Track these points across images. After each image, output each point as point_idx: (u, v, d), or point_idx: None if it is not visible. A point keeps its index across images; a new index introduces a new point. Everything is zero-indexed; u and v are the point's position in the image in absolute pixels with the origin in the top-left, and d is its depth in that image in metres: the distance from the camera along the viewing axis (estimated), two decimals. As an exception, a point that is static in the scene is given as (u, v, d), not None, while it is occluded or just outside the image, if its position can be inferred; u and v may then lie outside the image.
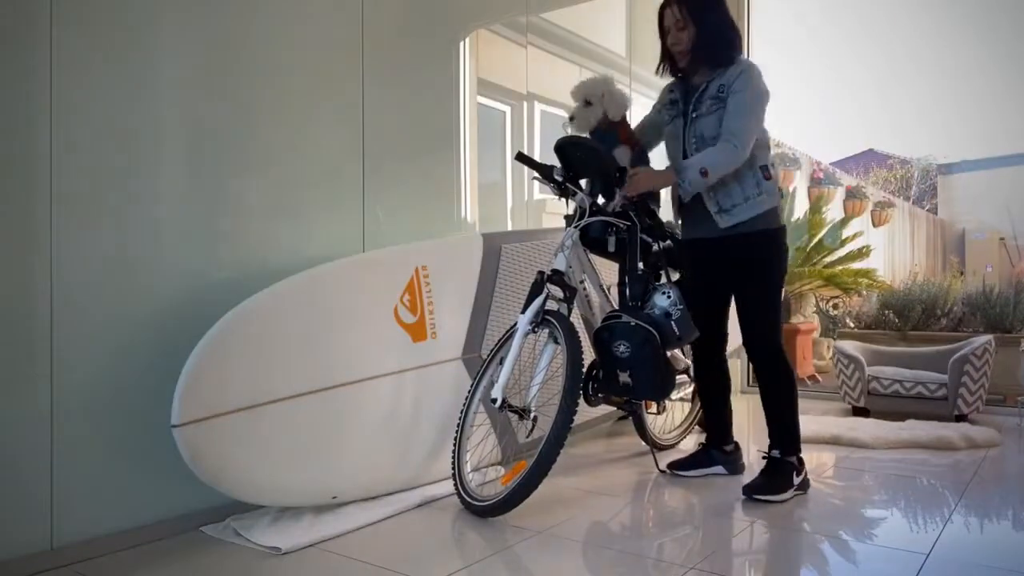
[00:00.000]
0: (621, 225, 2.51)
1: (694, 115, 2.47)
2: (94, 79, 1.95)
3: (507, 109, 3.54)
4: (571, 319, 2.37)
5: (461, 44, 3.20)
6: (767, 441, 2.53)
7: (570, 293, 2.41)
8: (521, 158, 2.54)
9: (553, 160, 2.62)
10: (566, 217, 2.58)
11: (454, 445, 2.37)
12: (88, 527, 1.93)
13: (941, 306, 4.85)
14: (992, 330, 4.44)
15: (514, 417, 2.30)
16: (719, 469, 2.71)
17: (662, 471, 2.74)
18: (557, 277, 2.38)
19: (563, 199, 2.60)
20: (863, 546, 2.05)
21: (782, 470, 2.46)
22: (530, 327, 2.34)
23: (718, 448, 2.75)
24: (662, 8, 2.49)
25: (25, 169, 1.83)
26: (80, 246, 1.92)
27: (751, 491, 2.42)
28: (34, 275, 1.84)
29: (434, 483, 2.49)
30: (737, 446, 2.78)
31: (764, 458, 2.53)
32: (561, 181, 2.50)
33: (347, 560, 1.91)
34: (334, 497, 2.23)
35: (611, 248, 2.52)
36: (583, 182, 2.64)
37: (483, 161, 3.33)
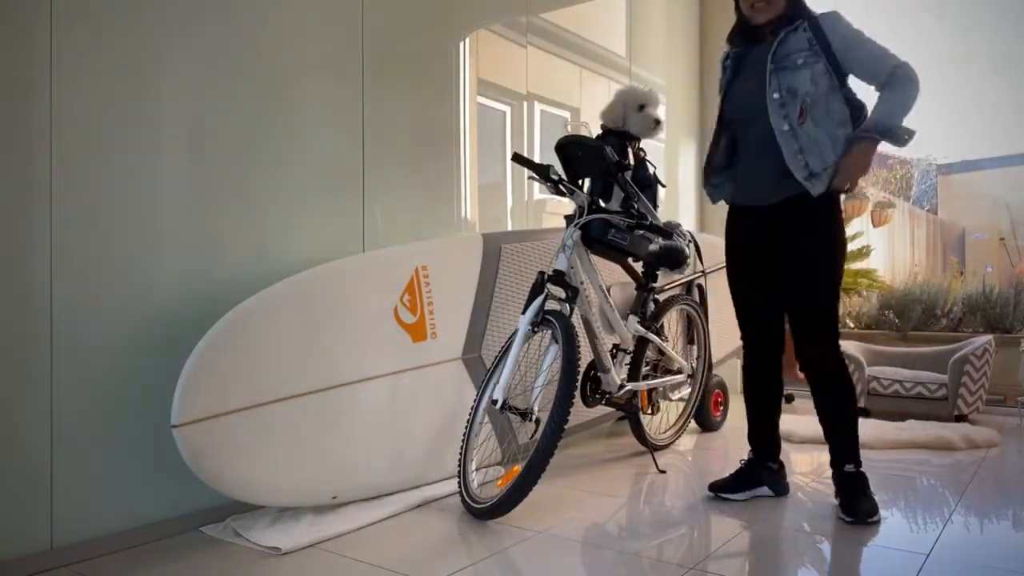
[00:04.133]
0: (622, 224, 2.52)
1: (773, 67, 2.21)
2: (94, 79, 1.95)
3: (507, 109, 3.54)
4: (572, 320, 2.35)
5: (461, 44, 3.20)
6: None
7: (572, 293, 2.38)
8: (517, 159, 2.53)
9: (553, 160, 2.63)
10: (566, 217, 2.56)
11: (461, 447, 2.36)
12: (88, 527, 1.93)
13: (941, 306, 4.85)
14: (992, 330, 4.44)
15: (516, 418, 2.28)
16: (765, 490, 2.46)
17: (709, 493, 2.47)
18: (558, 277, 2.37)
19: (566, 198, 2.59)
20: (863, 546, 2.05)
21: (863, 483, 2.28)
22: (530, 328, 2.32)
23: (765, 465, 2.47)
24: None
25: (25, 169, 1.83)
26: (80, 246, 1.92)
27: (864, 515, 2.19)
28: (34, 275, 1.84)
29: (434, 483, 2.49)
30: (782, 464, 2.51)
31: (836, 476, 2.32)
32: (557, 180, 2.48)
33: (347, 560, 1.91)
34: (334, 497, 2.23)
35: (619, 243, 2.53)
36: (585, 182, 2.66)
37: (483, 161, 3.33)
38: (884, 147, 2.16)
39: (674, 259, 2.63)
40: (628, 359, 2.86)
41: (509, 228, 3.46)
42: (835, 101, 2.20)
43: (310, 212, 2.50)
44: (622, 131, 2.84)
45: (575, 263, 2.47)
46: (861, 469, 2.30)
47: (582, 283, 2.50)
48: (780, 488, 2.47)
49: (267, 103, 2.37)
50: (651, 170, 2.85)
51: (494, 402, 2.25)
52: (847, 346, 4.13)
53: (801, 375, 2.36)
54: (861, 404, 3.93)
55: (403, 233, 2.81)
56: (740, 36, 2.39)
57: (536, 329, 2.35)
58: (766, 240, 2.32)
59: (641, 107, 2.74)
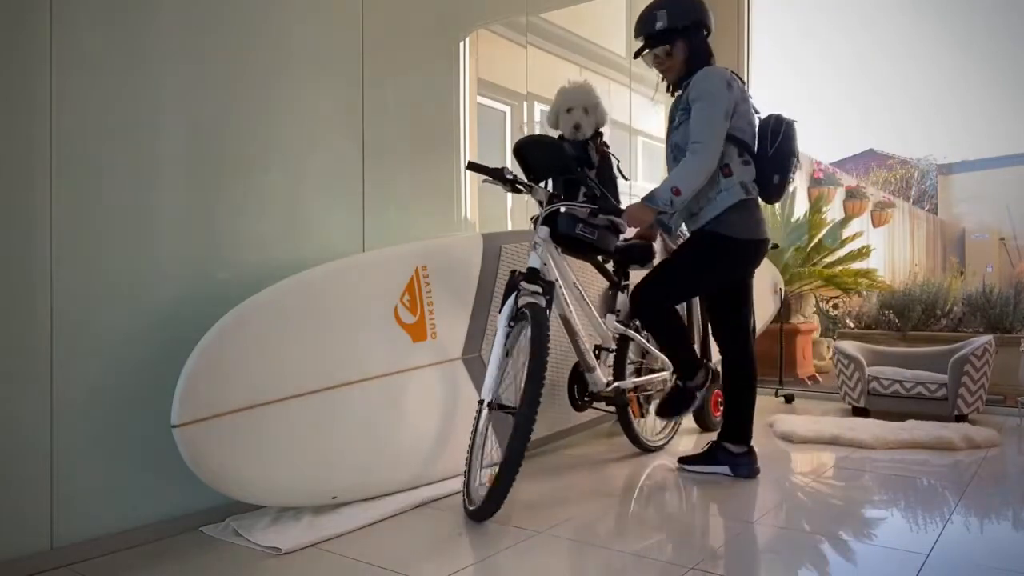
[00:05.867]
0: (587, 215, 2.51)
1: (671, 126, 2.63)
2: (94, 80, 1.95)
3: (507, 109, 3.54)
4: (548, 313, 2.34)
5: (461, 44, 3.20)
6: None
7: (547, 287, 2.37)
8: (472, 167, 2.49)
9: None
10: (532, 219, 2.55)
11: (468, 450, 2.31)
12: (88, 527, 1.93)
13: (941, 306, 4.85)
14: (992, 330, 4.44)
15: (508, 416, 2.23)
16: (724, 470, 2.68)
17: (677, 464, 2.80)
18: (532, 275, 2.37)
19: (528, 196, 2.59)
20: (863, 546, 2.05)
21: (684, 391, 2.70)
22: (508, 325, 2.32)
23: (723, 446, 2.71)
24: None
25: (25, 169, 1.83)
26: (79, 246, 1.92)
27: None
28: (34, 275, 1.84)
29: (434, 483, 2.49)
30: (751, 450, 2.70)
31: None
32: (512, 179, 2.46)
33: (347, 560, 1.91)
34: (334, 497, 2.23)
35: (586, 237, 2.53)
36: (549, 184, 2.65)
37: (483, 161, 3.33)
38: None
39: (643, 255, 2.78)
40: (611, 358, 2.90)
41: (509, 228, 3.46)
42: None
43: (310, 212, 2.50)
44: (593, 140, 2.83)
45: (547, 259, 2.46)
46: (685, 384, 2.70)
47: (556, 280, 2.48)
48: (742, 471, 2.67)
49: (267, 103, 2.37)
50: (615, 164, 2.78)
51: (480, 403, 2.28)
52: (847, 346, 4.13)
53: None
54: (861, 404, 3.93)
55: (403, 233, 2.81)
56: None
57: (513, 325, 2.34)
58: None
59: (568, 110, 2.67)
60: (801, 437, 3.36)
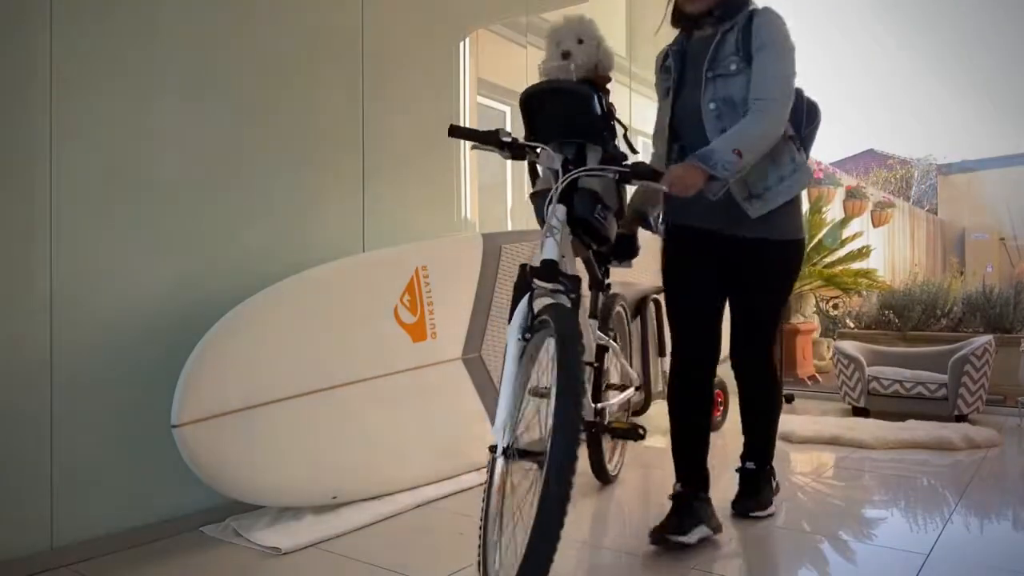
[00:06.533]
0: (606, 200, 1.95)
1: (710, 75, 1.98)
2: (94, 81, 1.94)
3: (507, 109, 3.54)
4: (577, 319, 1.69)
5: (461, 44, 3.20)
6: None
7: (572, 284, 1.73)
8: (456, 132, 1.94)
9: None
10: (535, 196, 2.00)
11: (481, 521, 1.64)
12: (88, 527, 1.92)
13: (941, 306, 4.85)
14: (992, 330, 4.44)
15: (533, 466, 1.57)
16: (706, 530, 2.02)
17: (652, 544, 1.97)
18: (549, 269, 1.73)
19: (531, 166, 2.08)
20: (863, 546, 2.05)
21: (764, 481, 2.29)
22: (522, 338, 1.66)
23: (701, 497, 2.10)
24: None
25: (25, 170, 1.83)
26: (79, 247, 1.92)
27: (745, 510, 2.24)
28: (34, 276, 1.84)
29: (434, 483, 2.49)
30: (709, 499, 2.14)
31: (740, 471, 2.30)
32: (511, 141, 1.89)
33: (347, 560, 1.91)
34: (334, 497, 2.23)
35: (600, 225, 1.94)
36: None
37: (483, 161, 3.32)
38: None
39: (629, 249, 2.23)
40: (590, 373, 2.26)
41: (509, 228, 3.47)
42: None
43: (310, 212, 2.50)
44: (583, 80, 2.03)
45: (567, 250, 1.87)
46: (766, 469, 2.30)
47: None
48: (716, 525, 2.07)
49: (267, 103, 2.37)
50: (620, 133, 2.09)
51: (492, 450, 1.60)
52: (847, 346, 4.13)
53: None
54: (861, 404, 3.93)
55: (403, 233, 2.81)
56: (678, 26, 2.09)
57: (529, 337, 1.67)
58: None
59: (558, 44, 2.06)
60: (801, 437, 3.36)
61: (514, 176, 3.50)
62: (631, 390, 2.59)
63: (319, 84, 2.54)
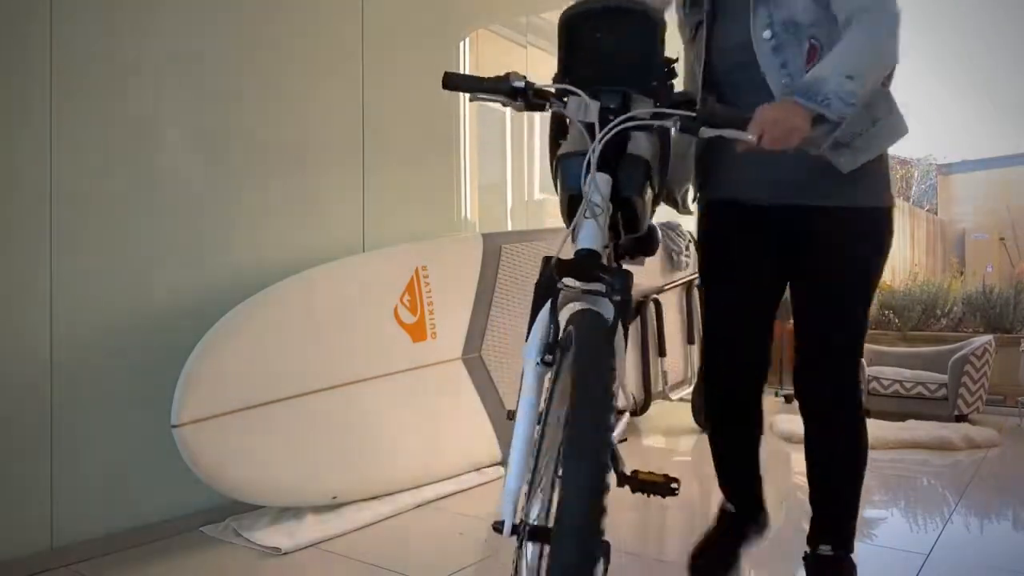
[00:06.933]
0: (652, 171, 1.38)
1: None
2: (94, 81, 1.94)
3: (507, 109, 3.54)
4: (620, 334, 1.20)
5: (461, 44, 3.20)
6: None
7: (619, 283, 1.21)
8: (451, 81, 1.56)
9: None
10: (561, 161, 1.38)
11: None
12: (88, 527, 1.92)
13: (941, 306, 4.85)
14: (992, 330, 4.44)
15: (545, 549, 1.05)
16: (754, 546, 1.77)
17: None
18: (589, 261, 1.24)
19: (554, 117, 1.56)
20: (863, 546, 2.05)
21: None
22: (541, 362, 1.16)
23: (754, 519, 1.78)
24: None
25: (25, 171, 1.83)
26: (79, 247, 1.92)
27: None
28: (34, 276, 1.84)
29: (434, 483, 2.49)
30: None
31: (808, 559, 1.66)
32: (524, 87, 1.50)
33: (347, 560, 1.91)
34: (334, 497, 2.23)
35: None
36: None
37: (483, 161, 3.32)
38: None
39: (650, 241, 1.65)
40: None
41: (509, 228, 3.46)
42: None
43: (310, 212, 2.50)
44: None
45: (608, 238, 1.33)
46: (851, 555, 1.64)
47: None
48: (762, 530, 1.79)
49: (267, 104, 2.37)
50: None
51: (497, 529, 1.04)
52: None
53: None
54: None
55: (403, 233, 2.81)
56: None
57: (552, 362, 1.17)
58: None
59: None
60: (801, 437, 3.35)
61: (513, 176, 3.50)
62: (626, 416, 2.00)
63: (319, 85, 2.54)
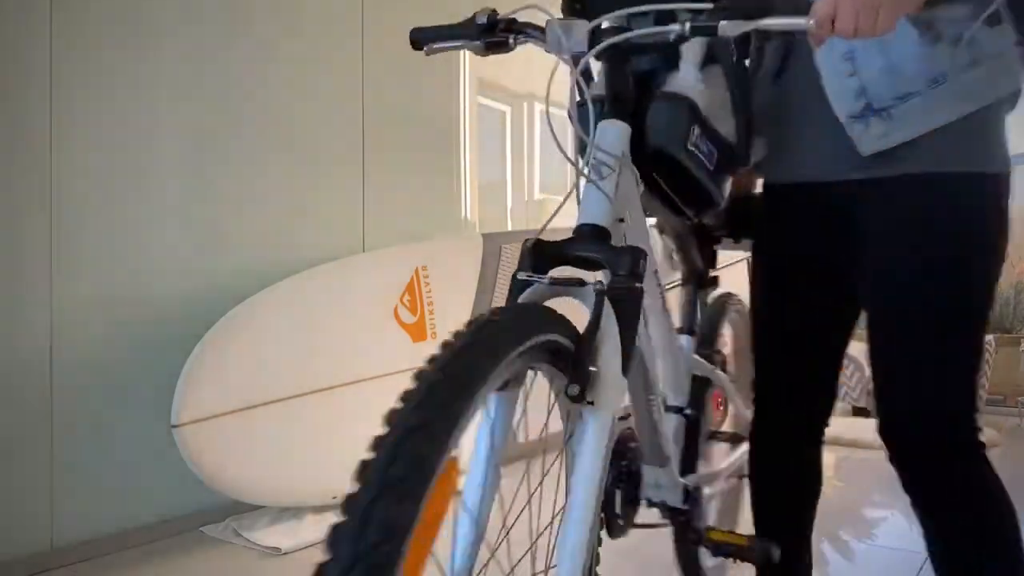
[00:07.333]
0: (713, 117, 1.06)
1: None
2: (94, 81, 1.95)
3: (507, 109, 3.54)
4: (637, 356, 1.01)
5: (461, 44, 3.20)
6: None
7: (626, 261, 0.86)
8: (418, 39, 1.19)
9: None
10: (581, 107, 0.98)
11: None
12: (88, 527, 1.92)
13: (941, 306, 4.85)
14: (992, 330, 4.44)
15: None
16: None
17: None
18: (591, 235, 0.89)
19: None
20: (863, 546, 2.05)
21: None
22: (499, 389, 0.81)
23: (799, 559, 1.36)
24: None
25: (24, 170, 1.83)
26: (79, 247, 1.92)
27: None
28: (33, 276, 1.84)
29: (434, 483, 2.49)
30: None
31: None
32: (487, 23, 1.13)
33: (347, 560, 1.91)
34: (334, 497, 2.23)
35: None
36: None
37: (483, 161, 3.32)
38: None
39: (748, 219, 1.34)
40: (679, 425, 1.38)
41: (509, 228, 3.46)
42: None
43: (310, 212, 2.50)
44: None
45: (624, 210, 0.97)
46: None
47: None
48: None
49: (267, 103, 2.37)
50: None
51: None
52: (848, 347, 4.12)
53: None
54: (861, 404, 3.93)
55: (403, 233, 2.81)
56: None
57: (505, 389, 0.82)
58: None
59: None
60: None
61: (513, 176, 3.50)
62: (745, 444, 1.45)
63: (319, 84, 2.53)
